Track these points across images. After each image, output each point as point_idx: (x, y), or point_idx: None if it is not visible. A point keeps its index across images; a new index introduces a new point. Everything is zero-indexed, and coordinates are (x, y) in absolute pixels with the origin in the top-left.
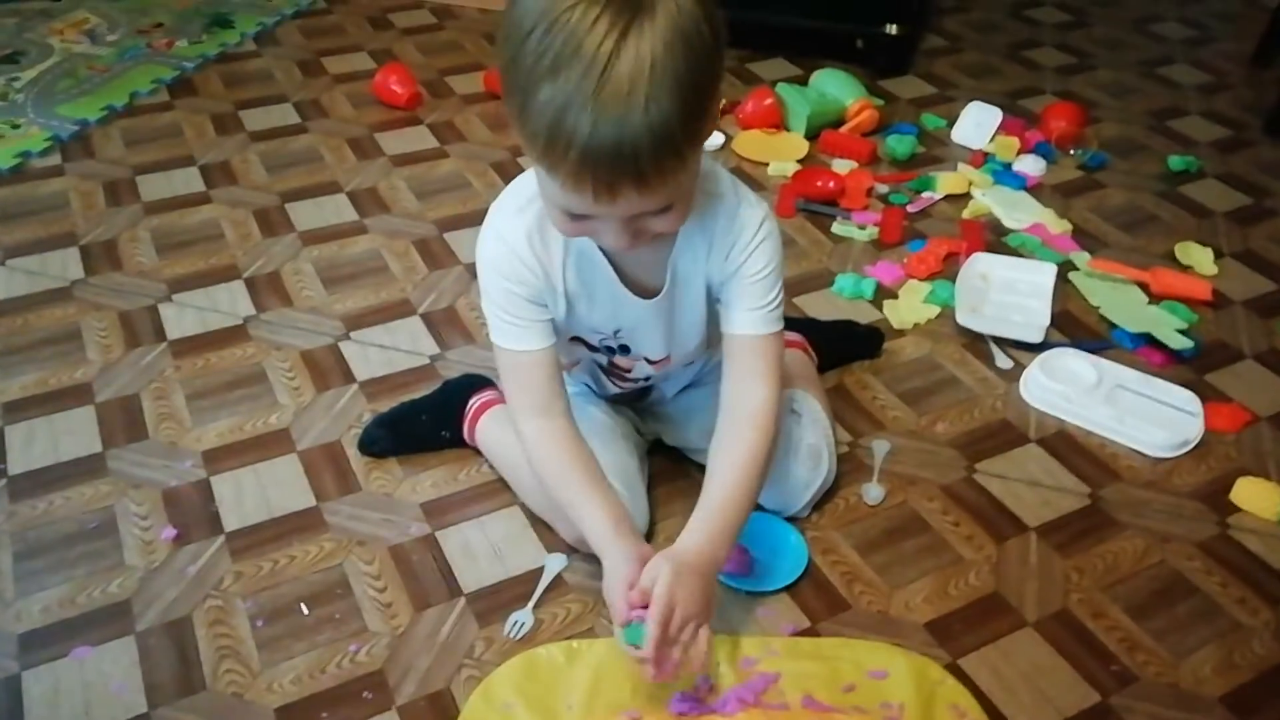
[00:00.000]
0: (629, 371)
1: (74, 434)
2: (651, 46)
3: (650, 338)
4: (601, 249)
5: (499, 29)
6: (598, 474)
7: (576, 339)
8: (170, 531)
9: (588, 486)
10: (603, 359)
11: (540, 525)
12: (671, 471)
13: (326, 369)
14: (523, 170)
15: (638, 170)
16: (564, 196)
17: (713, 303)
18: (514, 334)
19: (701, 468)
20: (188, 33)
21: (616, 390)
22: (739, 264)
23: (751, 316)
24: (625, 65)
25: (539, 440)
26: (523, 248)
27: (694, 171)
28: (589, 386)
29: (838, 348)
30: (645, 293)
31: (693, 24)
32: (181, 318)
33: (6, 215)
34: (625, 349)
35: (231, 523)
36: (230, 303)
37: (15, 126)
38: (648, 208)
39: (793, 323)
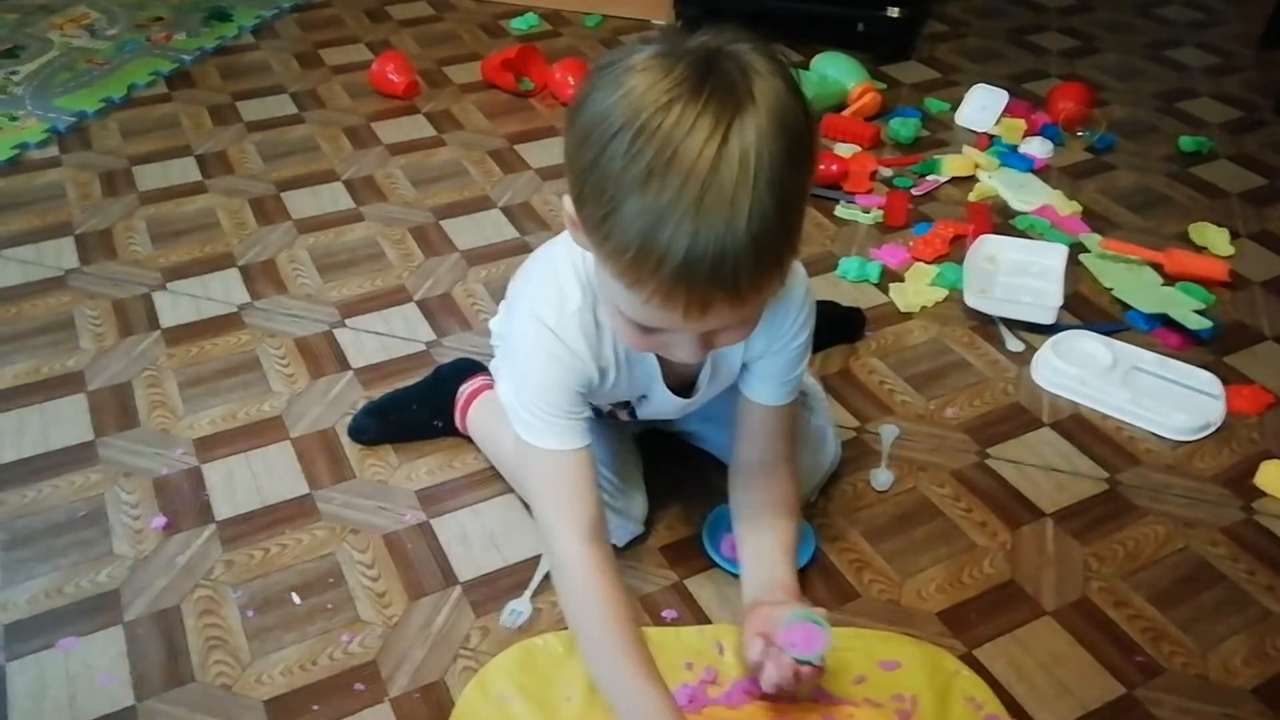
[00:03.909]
0: (623, 421)
1: (65, 422)
2: (756, 142)
3: (665, 412)
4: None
5: (570, 126)
6: (642, 643)
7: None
8: (160, 520)
9: (634, 649)
10: (599, 411)
11: None
12: (667, 460)
13: (321, 356)
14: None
15: (736, 285)
16: (644, 311)
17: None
18: (556, 433)
19: (699, 451)
20: (186, 26)
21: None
22: (780, 345)
23: (779, 390)
24: (728, 170)
25: (585, 578)
26: (581, 347)
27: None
28: None
29: (819, 330)
30: (681, 386)
31: (792, 114)
32: (175, 306)
33: (2, 206)
34: (631, 411)
35: (223, 511)
36: (224, 291)
37: (13, 119)
38: (734, 322)
39: None
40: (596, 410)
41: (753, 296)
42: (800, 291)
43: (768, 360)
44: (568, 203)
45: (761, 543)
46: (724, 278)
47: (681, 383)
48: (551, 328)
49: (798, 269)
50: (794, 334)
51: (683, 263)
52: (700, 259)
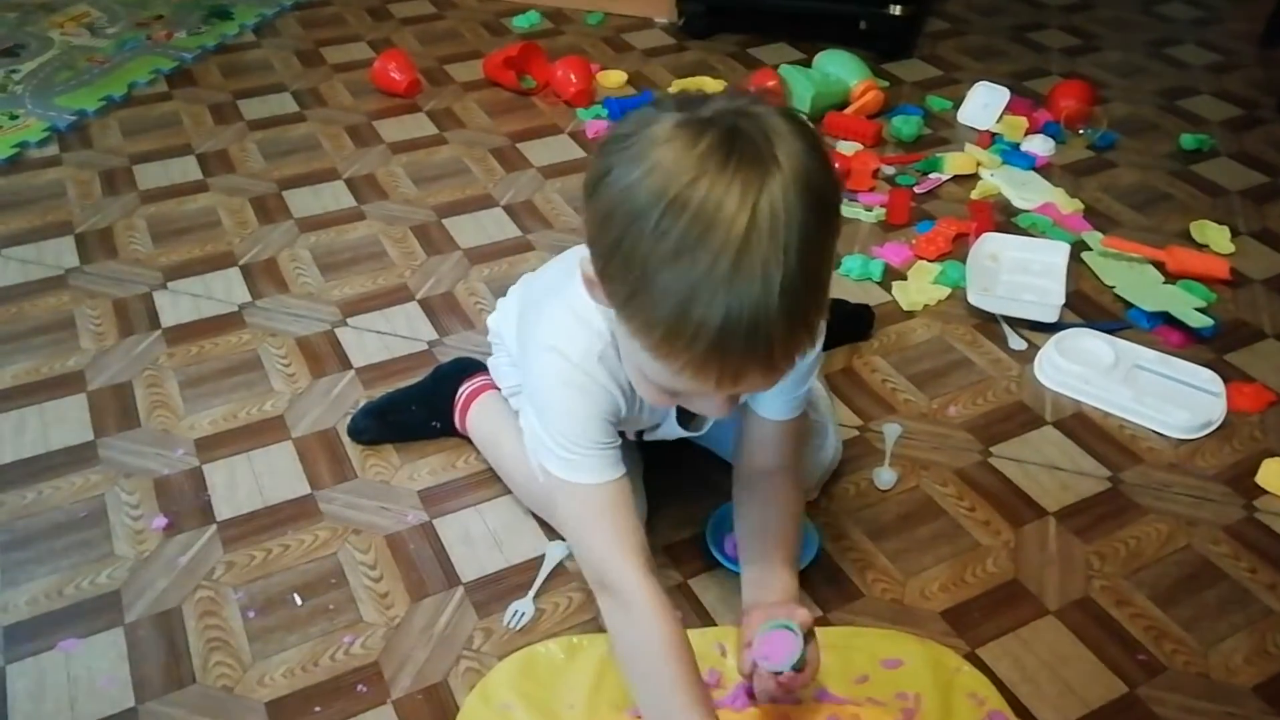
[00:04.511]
0: (629, 439)
1: (65, 422)
2: (785, 210)
3: (672, 436)
4: None
5: (590, 202)
6: (700, 679)
7: None
8: (161, 521)
9: (692, 688)
10: None
11: None
12: (668, 460)
13: (323, 355)
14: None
15: (770, 355)
16: (674, 381)
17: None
18: (591, 465)
19: (700, 450)
20: (187, 24)
21: None
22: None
23: (789, 406)
24: (758, 242)
25: (649, 614)
26: (608, 380)
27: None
28: None
29: (828, 328)
30: (689, 415)
31: (816, 174)
32: (176, 305)
33: (2, 205)
34: (640, 435)
35: (224, 511)
36: (226, 290)
37: (14, 117)
38: (765, 386)
39: None
40: None
41: (785, 364)
42: None
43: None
44: (587, 268)
45: (762, 547)
46: (757, 349)
47: (689, 413)
48: (576, 362)
49: None
50: (804, 356)
51: (716, 339)
52: (734, 333)
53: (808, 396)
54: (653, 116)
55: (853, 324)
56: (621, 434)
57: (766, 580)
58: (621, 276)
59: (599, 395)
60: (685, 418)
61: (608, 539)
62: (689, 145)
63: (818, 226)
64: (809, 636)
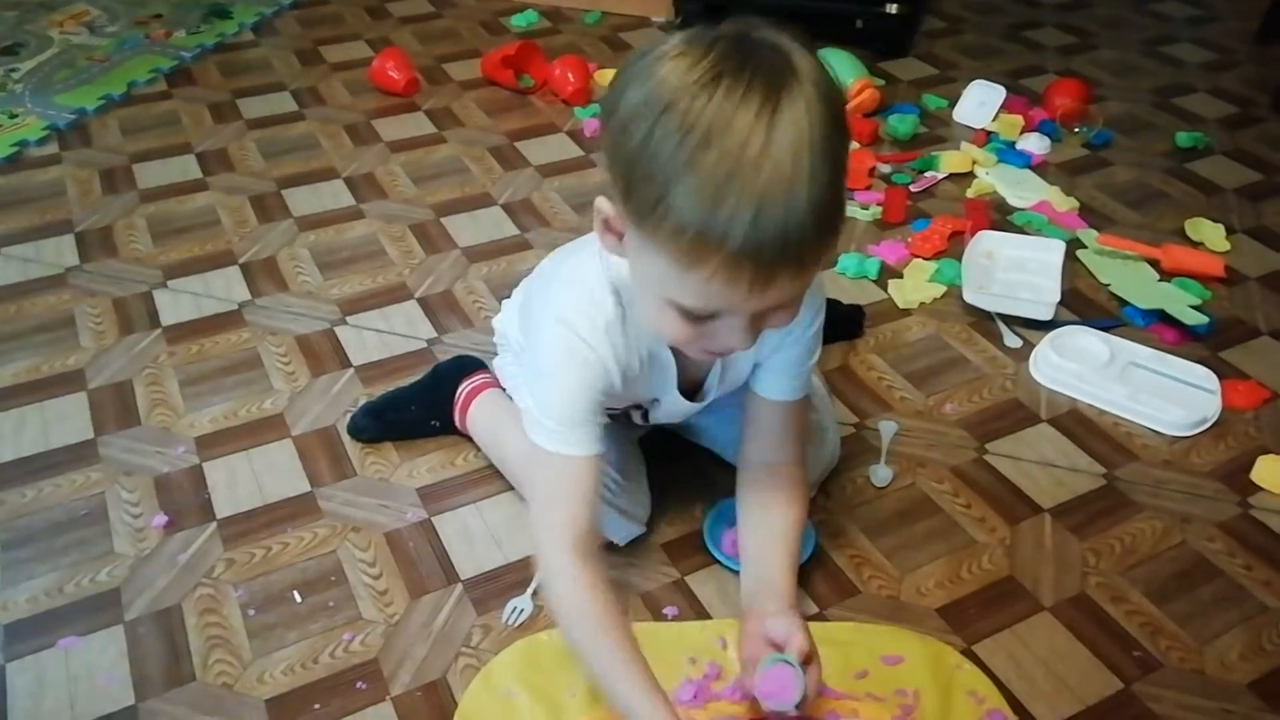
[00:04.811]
0: (638, 424)
1: (65, 421)
2: (807, 113)
3: (675, 415)
4: (672, 351)
5: (607, 123)
6: (631, 639)
7: None
8: (161, 519)
9: (626, 652)
10: (613, 414)
11: None
12: (668, 458)
13: (322, 354)
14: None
15: (800, 253)
16: (703, 293)
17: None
18: (571, 439)
19: (701, 449)
20: (186, 23)
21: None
22: (792, 338)
23: (791, 385)
24: (784, 140)
25: (570, 590)
26: (609, 355)
27: None
28: None
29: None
30: (693, 389)
31: (830, 85)
32: (176, 304)
33: (2, 204)
34: (645, 414)
35: (224, 509)
36: (225, 288)
37: (13, 116)
38: (792, 296)
39: None
40: (611, 414)
41: (813, 265)
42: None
43: (781, 354)
44: (604, 205)
45: (762, 546)
46: (789, 247)
47: (692, 384)
48: (583, 336)
49: None
50: (806, 324)
51: (750, 230)
52: (765, 229)
53: (810, 380)
54: (661, 39)
55: (845, 324)
56: (627, 421)
57: (765, 586)
58: (646, 183)
59: (596, 370)
60: (688, 391)
61: (553, 511)
62: (701, 55)
63: (836, 132)
64: (808, 662)
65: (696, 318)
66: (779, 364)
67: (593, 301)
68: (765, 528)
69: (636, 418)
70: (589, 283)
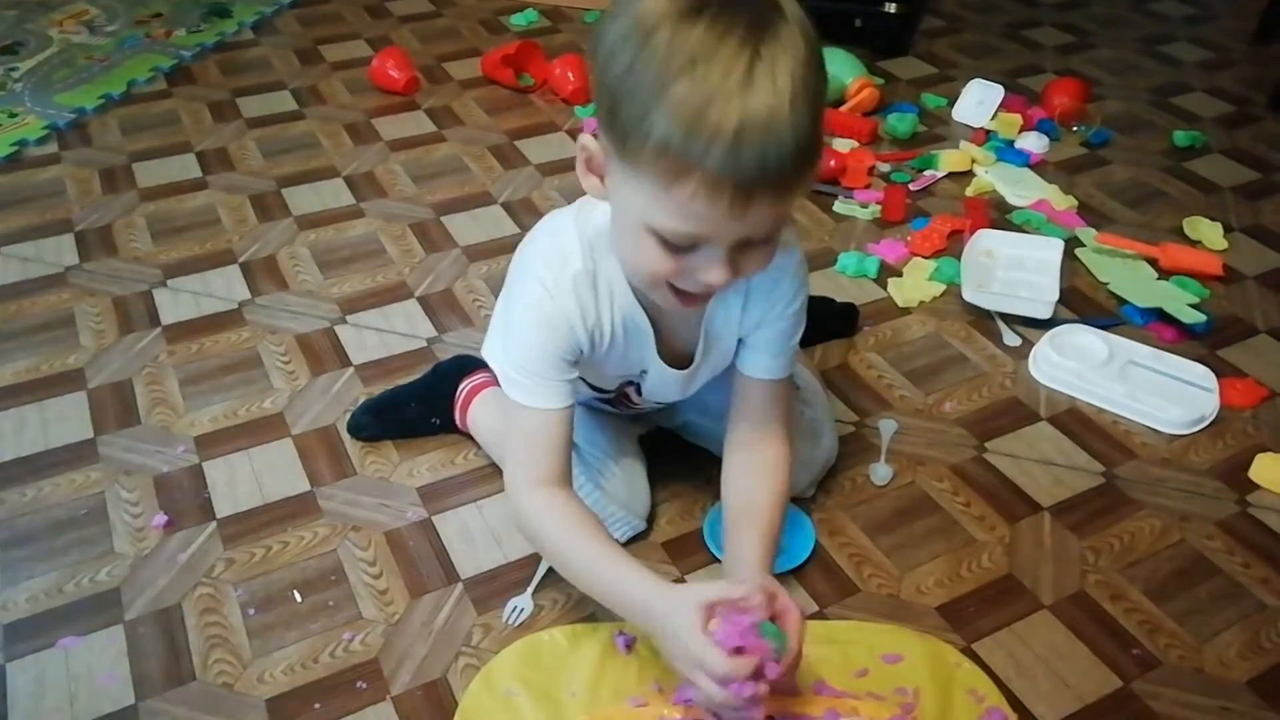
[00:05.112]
0: (636, 404)
1: (65, 420)
2: (791, 45)
3: (668, 390)
4: (648, 313)
5: (595, 52)
6: (612, 538)
7: (583, 381)
8: (161, 518)
9: (608, 546)
10: (610, 397)
11: None
12: (668, 457)
13: (322, 352)
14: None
15: (780, 173)
16: (683, 214)
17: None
18: (541, 392)
19: (700, 448)
20: (186, 22)
21: (619, 412)
22: (775, 314)
23: (775, 363)
24: (769, 60)
25: (543, 512)
26: (574, 311)
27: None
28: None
29: (814, 325)
30: (678, 359)
31: (811, 30)
32: (176, 303)
33: (2, 203)
34: (638, 389)
35: (224, 509)
36: (225, 287)
37: (13, 115)
38: (768, 227)
39: None
40: (609, 399)
41: (791, 193)
42: (794, 257)
43: (764, 329)
44: (588, 140)
45: (738, 524)
46: (769, 168)
47: (675, 356)
48: (550, 290)
49: (789, 239)
50: (789, 299)
51: (731, 145)
52: (746, 148)
53: (795, 355)
54: None
55: (839, 323)
56: (628, 402)
57: (736, 560)
58: (632, 100)
59: (564, 332)
60: (674, 364)
61: (528, 455)
62: None
63: (818, 72)
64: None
65: (676, 248)
66: (762, 341)
67: (561, 253)
68: (742, 506)
69: (632, 394)
70: (559, 236)
